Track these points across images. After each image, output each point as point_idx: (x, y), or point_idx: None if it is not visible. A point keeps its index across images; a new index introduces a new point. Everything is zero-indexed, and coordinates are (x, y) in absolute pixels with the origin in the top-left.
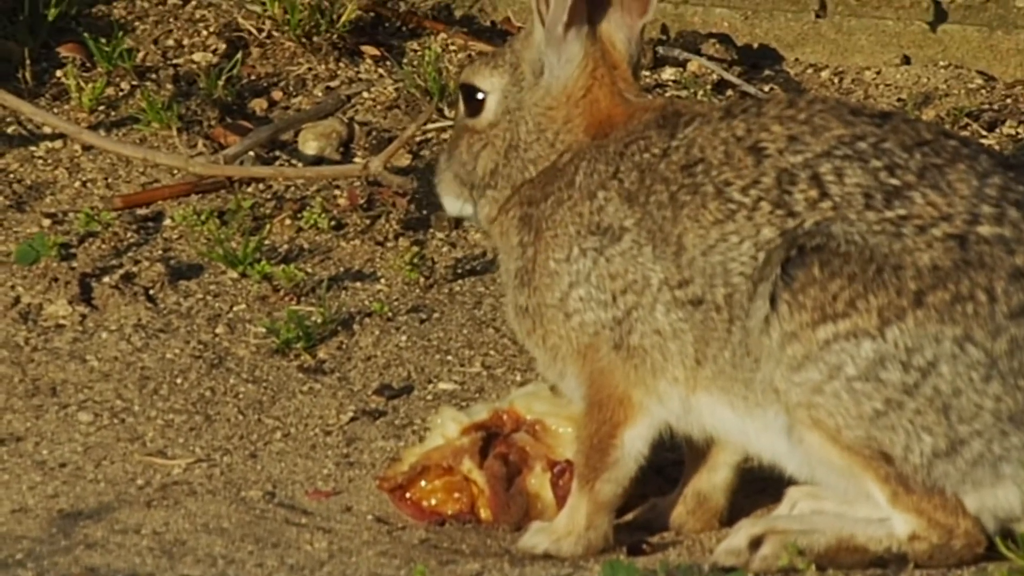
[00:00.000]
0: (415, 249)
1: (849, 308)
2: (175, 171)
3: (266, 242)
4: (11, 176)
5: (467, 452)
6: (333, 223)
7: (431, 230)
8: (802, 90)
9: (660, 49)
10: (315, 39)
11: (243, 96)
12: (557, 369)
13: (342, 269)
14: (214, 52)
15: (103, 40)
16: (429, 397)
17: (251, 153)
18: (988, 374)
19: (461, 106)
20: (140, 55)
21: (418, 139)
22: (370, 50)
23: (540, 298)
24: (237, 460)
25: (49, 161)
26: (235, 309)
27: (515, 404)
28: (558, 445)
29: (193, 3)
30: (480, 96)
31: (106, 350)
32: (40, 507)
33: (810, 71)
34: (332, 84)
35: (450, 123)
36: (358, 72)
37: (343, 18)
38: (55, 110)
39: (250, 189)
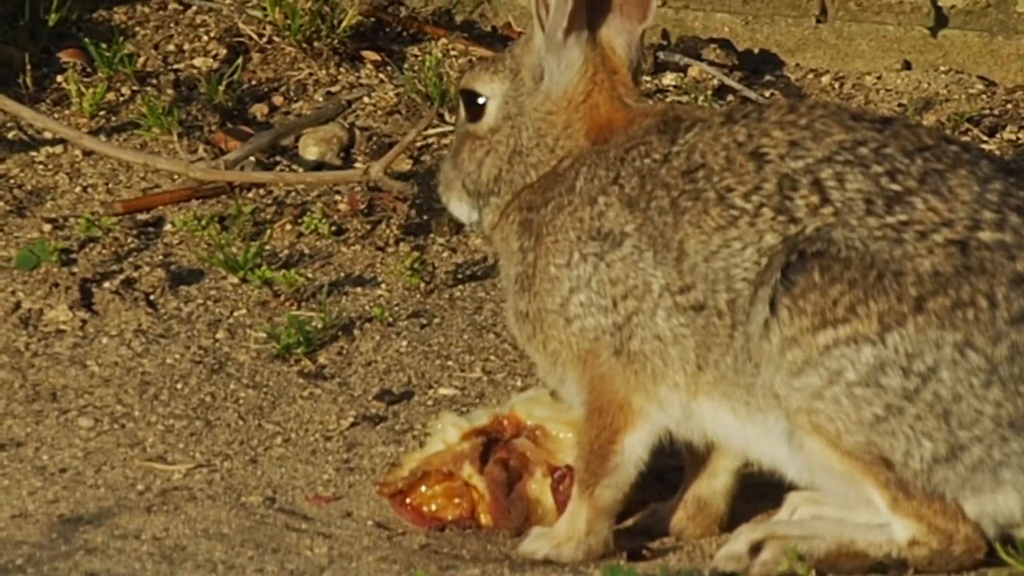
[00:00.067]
0: (416, 254)
1: (849, 313)
2: (176, 176)
3: (267, 247)
4: (12, 181)
5: (467, 457)
6: (334, 228)
7: (431, 235)
8: (803, 95)
9: (661, 54)
10: (316, 44)
11: (244, 101)
12: (557, 374)
13: (343, 274)
14: (215, 57)
15: (104, 45)
16: (429, 402)
17: (252, 158)
18: (988, 380)
19: (462, 112)
20: (141, 60)
21: (419, 144)
22: (371, 55)
23: (541, 303)
24: (237, 465)
25: (50, 166)
26: (235, 314)
27: (516, 409)
28: (558, 450)
29: (194, 8)
30: (481, 101)
31: (106, 355)
32: (40, 512)
33: (811, 76)
34: (333, 89)
35: (451, 128)
36: (359, 77)
37: (344, 23)
38: (56, 115)
39: (251, 194)
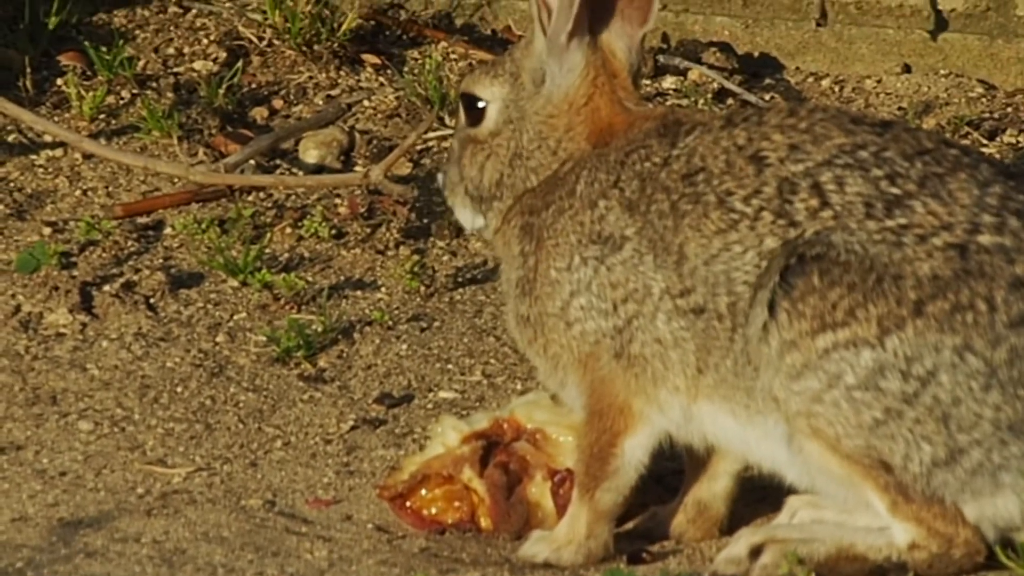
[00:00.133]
0: (416, 258)
1: (848, 317)
2: (176, 180)
3: (267, 251)
4: (12, 185)
5: (467, 461)
6: (334, 232)
7: (432, 239)
8: (803, 99)
9: (661, 58)
10: (316, 47)
11: (244, 105)
12: (558, 378)
13: (343, 278)
14: (215, 60)
15: (104, 48)
16: (429, 406)
17: (252, 162)
18: (988, 383)
19: (462, 115)
20: (141, 63)
21: (419, 148)
22: (371, 59)
23: (541, 307)
24: (237, 469)
25: (50, 170)
26: (235, 318)
27: (516, 413)
28: (559, 454)
29: (194, 11)
30: (481, 105)
31: (106, 359)
32: (40, 516)
33: (811, 80)
34: (333, 92)
35: (451, 132)
36: (359, 81)
37: (344, 26)
38: (56, 119)
39: (251, 198)
